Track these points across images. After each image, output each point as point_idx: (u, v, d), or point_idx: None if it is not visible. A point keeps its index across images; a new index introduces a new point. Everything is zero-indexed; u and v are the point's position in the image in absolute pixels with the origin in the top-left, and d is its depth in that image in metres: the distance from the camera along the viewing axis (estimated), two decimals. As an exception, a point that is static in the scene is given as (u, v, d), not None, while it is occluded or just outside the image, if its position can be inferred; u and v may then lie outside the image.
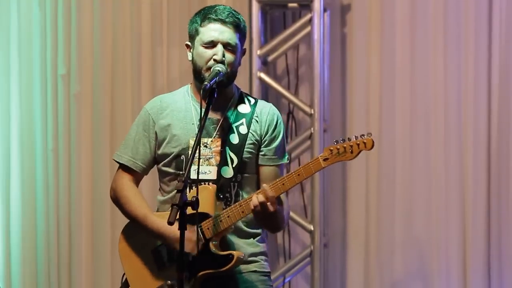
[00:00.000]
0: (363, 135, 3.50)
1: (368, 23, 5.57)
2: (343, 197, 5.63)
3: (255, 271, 3.68)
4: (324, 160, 3.51)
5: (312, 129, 5.50)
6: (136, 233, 3.72)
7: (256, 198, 3.49)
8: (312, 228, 5.50)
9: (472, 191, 5.39)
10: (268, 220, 3.55)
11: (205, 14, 3.63)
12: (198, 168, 3.54)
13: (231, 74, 3.62)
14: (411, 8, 5.49)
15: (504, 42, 5.37)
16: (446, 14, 5.44)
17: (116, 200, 3.74)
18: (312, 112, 5.49)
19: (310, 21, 5.48)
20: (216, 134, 3.64)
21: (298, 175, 3.51)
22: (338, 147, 3.50)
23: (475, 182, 5.39)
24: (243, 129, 3.66)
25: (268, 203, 3.47)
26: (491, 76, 5.39)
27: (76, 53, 5.75)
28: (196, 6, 5.64)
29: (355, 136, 3.50)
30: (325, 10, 5.49)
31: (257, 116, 3.68)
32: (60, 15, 5.73)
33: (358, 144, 3.49)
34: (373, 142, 3.48)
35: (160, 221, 3.58)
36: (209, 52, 3.59)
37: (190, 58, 3.67)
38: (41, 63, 5.74)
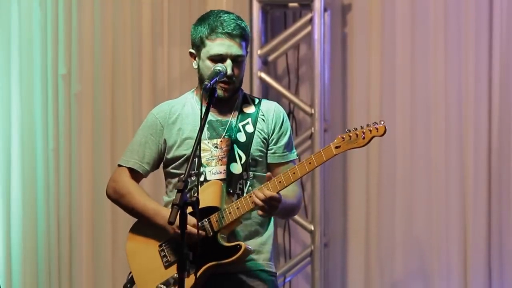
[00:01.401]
0: (375, 122, 3.51)
1: (369, 23, 5.57)
2: (344, 197, 5.63)
3: (262, 270, 3.71)
4: (336, 147, 3.51)
5: (312, 129, 5.50)
6: (143, 230, 3.73)
7: (257, 199, 3.51)
8: (312, 228, 5.50)
9: (473, 191, 5.39)
10: (275, 214, 3.61)
11: (211, 27, 3.64)
12: (199, 169, 3.56)
13: (239, 85, 3.69)
14: (412, 8, 5.49)
15: (505, 42, 5.37)
16: (446, 14, 5.44)
17: (119, 197, 3.75)
18: (313, 112, 5.49)
19: (311, 21, 5.48)
20: (225, 135, 3.68)
21: (310, 163, 3.52)
22: (351, 134, 3.50)
23: (476, 182, 5.39)
24: (249, 128, 3.70)
25: (268, 205, 3.50)
26: (491, 75, 5.39)
27: (77, 53, 5.75)
28: (196, 6, 5.66)
29: (367, 124, 3.51)
30: (325, 10, 5.49)
31: (263, 115, 3.73)
32: (61, 15, 5.73)
33: (370, 130, 3.49)
34: (385, 128, 3.48)
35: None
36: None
37: (195, 66, 3.71)
38: (42, 63, 5.74)
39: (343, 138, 3.50)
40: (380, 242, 5.53)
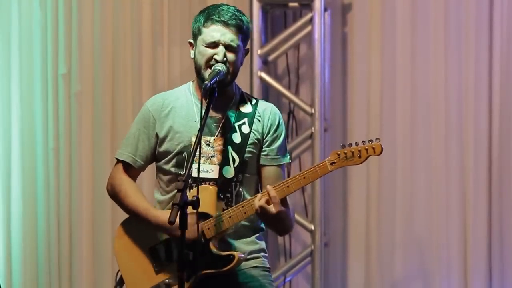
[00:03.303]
0: (371, 140, 3.50)
1: (369, 22, 5.57)
2: (344, 196, 5.63)
3: (256, 267, 3.70)
4: (331, 164, 3.51)
5: (312, 128, 5.50)
6: (134, 230, 3.73)
7: (259, 200, 3.50)
8: (312, 228, 5.50)
9: (473, 191, 5.39)
10: (273, 221, 3.55)
11: (208, 15, 3.64)
12: (199, 168, 3.54)
13: (233, 74, 3.64)
14: (412, 8, 5.50)
15: (505, 42, 5.37)
16: (446, 14, 5.45)
17: (115, 194, 3.75)
18: (313, 111, 5.49)
19: (311, 20, 5.48)
20: (218, 133, 3.66)
21: (304, 178, 3.52)
22: (346, 151, 3.50)
23: (476, 182, 5.39)
24: (245, 128, 3.68)
25: (271, 205, 3.48)
26: (492, 75, 5.39)
27: (77, 52, 5.75)
28: (196, 5, 5.66)
29: (362, 141, 3.51)
30: (325, 9, 5.49)
31: (259, 116, 3.71)
32: (61, 15, 5.73)
33: (366, 149, 3.50)
34: (381, 147, 3.50)
35: (162, 213, 3.60)
36: (210, 51, 3.61)
37: (192, 56, 3.69)
38: (42, 62, 5.74)
39: (338, 154, 3.50)
40: (380, 242, 5.53)
